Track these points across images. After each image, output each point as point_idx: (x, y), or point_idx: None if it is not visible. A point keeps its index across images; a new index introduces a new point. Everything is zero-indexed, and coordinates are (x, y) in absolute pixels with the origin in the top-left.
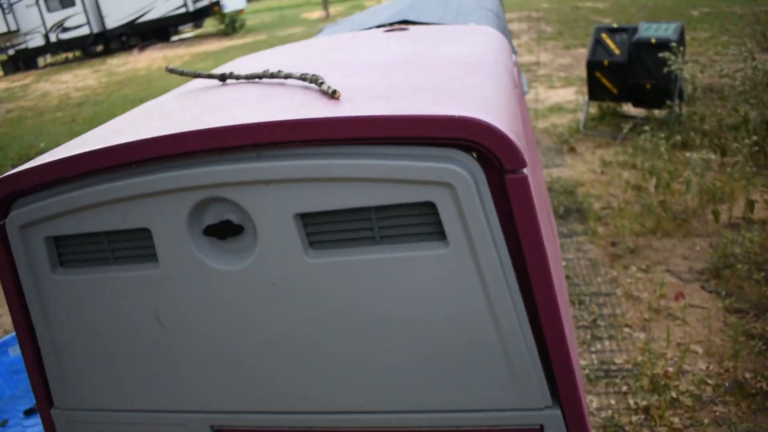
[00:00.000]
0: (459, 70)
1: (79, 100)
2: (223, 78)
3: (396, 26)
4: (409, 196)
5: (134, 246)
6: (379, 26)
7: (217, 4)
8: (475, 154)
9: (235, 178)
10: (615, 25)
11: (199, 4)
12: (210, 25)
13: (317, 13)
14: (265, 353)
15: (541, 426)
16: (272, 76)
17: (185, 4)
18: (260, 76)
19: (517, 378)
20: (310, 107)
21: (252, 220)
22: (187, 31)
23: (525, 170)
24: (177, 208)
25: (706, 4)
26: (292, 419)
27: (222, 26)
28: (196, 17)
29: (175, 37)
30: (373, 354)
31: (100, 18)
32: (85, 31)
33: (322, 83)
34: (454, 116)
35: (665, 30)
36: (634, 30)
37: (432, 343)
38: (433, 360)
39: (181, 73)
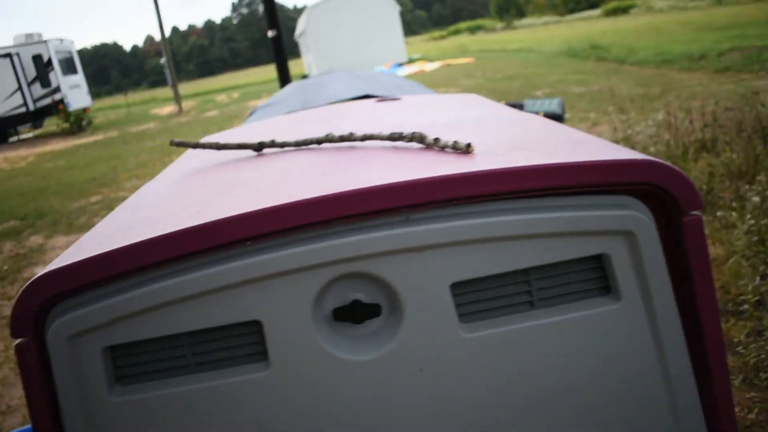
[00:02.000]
0: (537, 126)
1: None
2: (260, 147)
3: (381, 98)
4: (575, 251)
5: (236, 344)
6: (344, 100)
7: (61, 102)
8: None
9: (382, 247)
10: (503, 103)
11: (41, 104)
12: (52, 124)
13: (168, 109)
14: None
15: None
16: (343, 139)
17: (25, 104)
18: (319, 141)
19: None
20: (446, 165)
21: (398, 296)
22: (26, 131)
23: (699, 212)
24: (302, 292)
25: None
26: None
27: (66, 125)
28: (36, 117)
29: (13, 138)
30: None
31: None
32: None
33: (437, 139)
34: (639, 159)
35: (549, 104)
36: (520, 106)
37: (596, 412)
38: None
39: (195, 146)
